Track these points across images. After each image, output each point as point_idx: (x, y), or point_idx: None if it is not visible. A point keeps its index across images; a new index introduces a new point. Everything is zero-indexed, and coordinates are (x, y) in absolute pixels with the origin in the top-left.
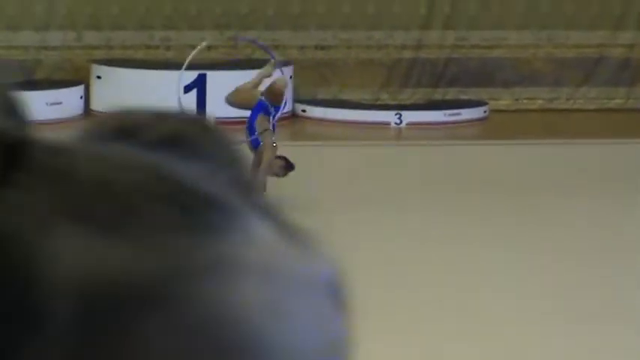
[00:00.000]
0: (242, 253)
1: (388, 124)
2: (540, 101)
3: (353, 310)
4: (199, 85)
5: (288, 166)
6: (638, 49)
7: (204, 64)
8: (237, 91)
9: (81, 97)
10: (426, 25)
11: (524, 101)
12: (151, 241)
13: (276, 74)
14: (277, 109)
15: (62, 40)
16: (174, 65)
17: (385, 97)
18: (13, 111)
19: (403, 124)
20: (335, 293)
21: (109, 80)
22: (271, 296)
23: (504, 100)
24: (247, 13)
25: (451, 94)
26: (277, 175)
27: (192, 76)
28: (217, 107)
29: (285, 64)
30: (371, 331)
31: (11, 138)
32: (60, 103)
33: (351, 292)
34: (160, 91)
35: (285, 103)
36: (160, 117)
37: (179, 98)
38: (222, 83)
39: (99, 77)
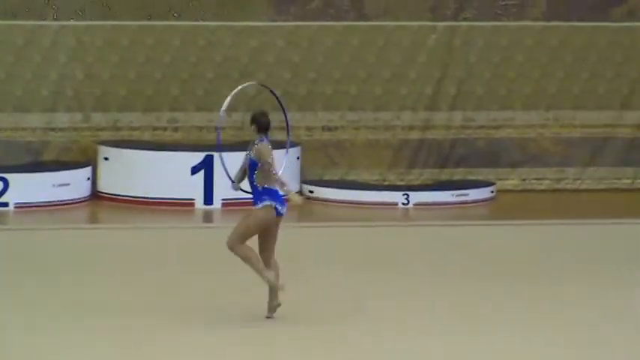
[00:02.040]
0: None
1: (396, 204)
2: (548, 181)
3: None
4: (207, 166)
5: None
6: None
7: (212, 145)
8: None
9: (88, 179)
10: (433, 106)
11: (532, 181)
12: None
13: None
14: None
15: (69, 121)
16: (181, 147)
17: (392, 178)
18: None
19: (410, 205)
20: None
21: (116, 161)
22: None
23: (512, 180)
24: (254, 94)
25: (458, 174)
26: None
27: (199, 157)
28: (224, 188)
29: (293, 145)
30: None
31: None
32: (67, 184)
33: None
34: (166, 172)
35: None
36: None
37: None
38: (230, 163)
39: (106, 159)
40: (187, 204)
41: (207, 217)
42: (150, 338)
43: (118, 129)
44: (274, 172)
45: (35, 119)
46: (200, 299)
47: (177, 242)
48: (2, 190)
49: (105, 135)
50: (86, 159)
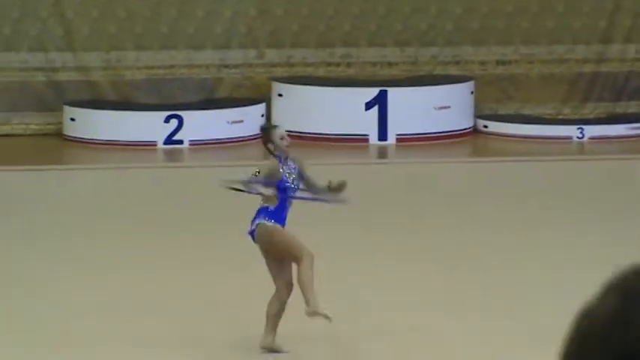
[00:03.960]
0: None
1: (570, 138)
2: None
3: None
4: (381, 101)
5: None
6: None
7: (385, 81)
8: None
9: (262, 115)
10: (607, 39)
11: None
12: None
13: None
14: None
15: (243, 58)
16: (354, 82)
17: (567, 112)
18: None
19: (585, 139)
20: None
21: (290, 98)
22: None
23: None
24: (427, 29)
25: (633, 107)
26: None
27: (373, 92)
28: (398, 123)
29: (467, 79)
30: None
31: None
32: (241, 121)
33: None
34: (340, 108)
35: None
36: None
37: None
38: (402, 100)
39: (280, 95)
40: (361, 140)
41: (382, 152)
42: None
43: (292, 65)
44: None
45: (208, 56)
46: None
47: (353, 178)
48: (177, 127)
49: (278, 71)
50: (260, 95)
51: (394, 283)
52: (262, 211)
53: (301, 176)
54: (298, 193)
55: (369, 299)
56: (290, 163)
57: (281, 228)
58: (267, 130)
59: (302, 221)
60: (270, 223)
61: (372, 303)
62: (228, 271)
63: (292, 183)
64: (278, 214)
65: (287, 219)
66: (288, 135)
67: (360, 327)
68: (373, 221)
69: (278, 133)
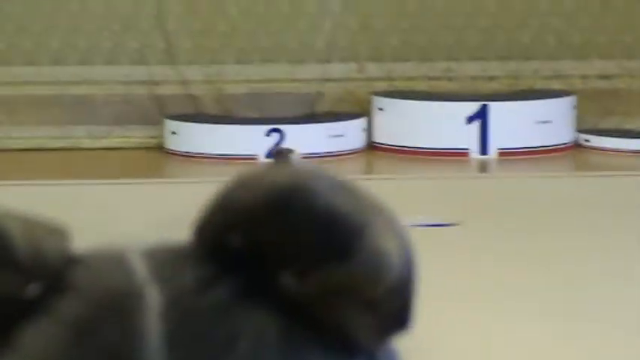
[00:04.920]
0: None
1: None
2: None
3: None
4: (482, 116)
5: None
6: None
7: (487, 95)
8: None
9: (363, 130)
10: None
11: None
12: None
13: None
14: None
15: (344, 72)
16: (456, 96)
17: None
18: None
19: None
20: None
21: (391, 112)
22: None
23: None
24: (529, 43)
25: None
26: None
27: (474, 107)
28: (500, 138)
29: (568, 94)
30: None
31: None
32: (342, 135)
33: None
34: (442, 122)
35: None
36: None
37: None
38: (504, 113)
39: (380, 109)
40: (462, 154)
41: (483, 166)
42: None
43: (393, 79)
44: None
45: (309, 70)
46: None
47: (454, 192)
48: (278, 141)
49: (379, 85)
50: (360, 110)
51: (493, 296)
52: None
53: None
54: None
55: (465, 317)
56: None
57: None
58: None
59: None
60: None
61: (471, 319)
62: None
63: None
64: None
65: None
66: (389, 150)
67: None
68: (473, 236)
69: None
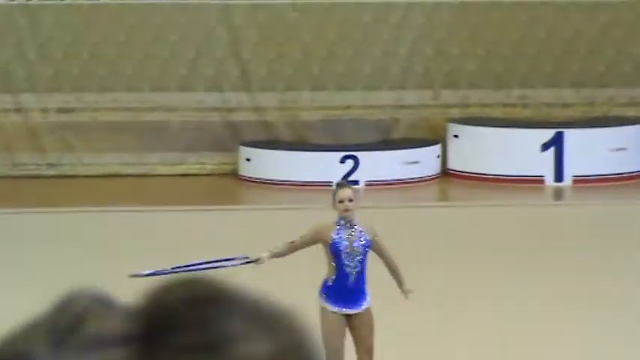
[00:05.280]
0: None
1: None
2: None
3: None
4: (557, 143)
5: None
6: None
7: (562, 122)
8: None
9: (438, 157)
10: None
11: None
12: None
13: None
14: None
15: (419, 99)
16: (531, 123)
17: None
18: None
19: None
20: None
21: (466, 139)
22: None
23: None
24: (604, 70)
25: None
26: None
27: (549, 134)
28: (575, 165)
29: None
30: None
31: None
32: (416, 162)
33: None
34: (516, 149)
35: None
36: None
37: None
38: (579, 141)
39: (456, 136)
40: (537, 181)
41: (558, 194)
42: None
43: (468, 106)
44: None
45: (384, 97)
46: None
47: (528, 220)
48: (353, 168)
49: (454, 112)
50: (435, 136)
51: (564, 330)
52: (323, 285)
53: (377, 250)
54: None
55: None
56: (358, 228)
57: (328, 313)
58: (335, 188)
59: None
60: (323, 303)
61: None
62: None
63: (351, 250)
64: (336, 290)
65: (365, 297)
66: (464, 177)
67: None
68: (549, 264)
69: (339, 194)
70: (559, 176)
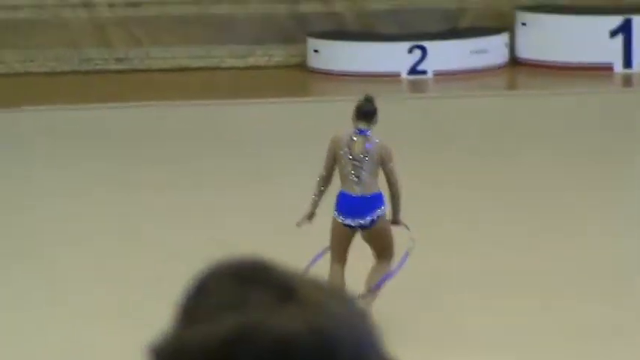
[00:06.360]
0: None
1: None
2: None
3: None
4: (625, 30)
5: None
6: None
7: (630, 9)
8: None
9: (505, 45)
10: None
11: None
12: None
13: None
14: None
15: None
16: (599, 10)
17: None
18: None
19: None
20: None
21: (534, 27)
22: None
23: None
24: None
25: None
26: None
27: (617, 20)
28: None
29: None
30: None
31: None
32: (485, 51)
33: None
34: (584, 36)
35: None
36: None
37: None
38: None
39: (523, 24)
40: (605, 68)
41: (627, 81)
42: None
43: None
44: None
45: None
46: None
47: (598, 107)
48: (421, 58)
49: (523, 0)
50: (503, 25)
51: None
52: (381, 198)
53: (385, 172)
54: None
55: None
56: (371, 139)
57: (335, 221)
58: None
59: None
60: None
61: None
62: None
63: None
64: (342, 201)
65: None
66: (532, 65)
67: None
68: (617, 148)
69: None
70: (628, 63)
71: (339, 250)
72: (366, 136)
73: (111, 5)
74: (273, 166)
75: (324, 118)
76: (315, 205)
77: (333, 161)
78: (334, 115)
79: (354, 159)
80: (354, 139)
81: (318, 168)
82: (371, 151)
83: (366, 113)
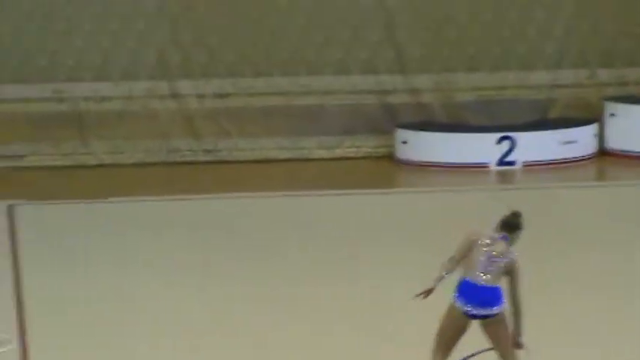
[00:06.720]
0: None
1: None
2: None
3: None
4: None
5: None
6: None
7: None
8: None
9: (594, 136)
10: None
11: None
12: None
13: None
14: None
15: (575, 78)
16: None
17: None
18: None
19: None
20: None
21: (623, 117)
22: None
23: None
24: None
25: None
26: None
27: None
28: None
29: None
30: None
31: None
32: (574, 141)
33: None
34: None
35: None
36: None
37: None
38: None
39: (612, 115)
40: None
41: None
42: None
43: (624, 84)
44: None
45: (540, 77)
46: None
47: None
48: (510, 148)
49: (611, 91)
50: (592, 115)
51: None
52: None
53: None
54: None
55: None
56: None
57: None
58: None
59: None
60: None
61: None
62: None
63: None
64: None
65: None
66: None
67: None
68: None
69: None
70: None
71: (449, 342)
72: (507, 241)
73: (200, 97)
74: (360, 261)
75: (414, 210)
76: (440, 282)
77: (467, 252)
78: (424, 207)
79: (493, 257)
80: (497, 239)
81: (409, 257)
82: (506, 257)
83: (510, 225)
